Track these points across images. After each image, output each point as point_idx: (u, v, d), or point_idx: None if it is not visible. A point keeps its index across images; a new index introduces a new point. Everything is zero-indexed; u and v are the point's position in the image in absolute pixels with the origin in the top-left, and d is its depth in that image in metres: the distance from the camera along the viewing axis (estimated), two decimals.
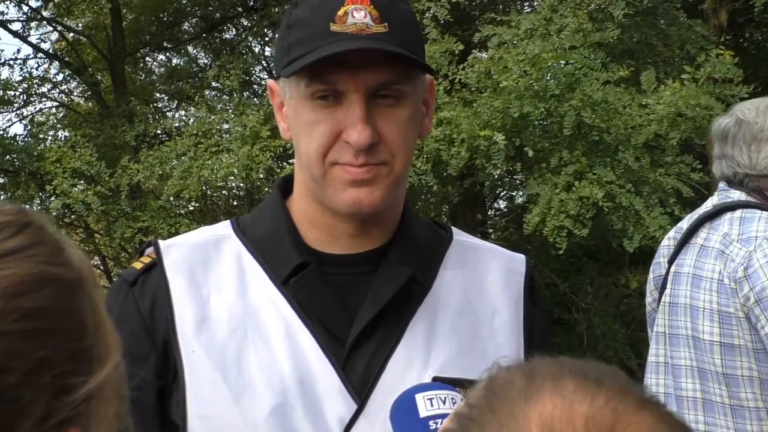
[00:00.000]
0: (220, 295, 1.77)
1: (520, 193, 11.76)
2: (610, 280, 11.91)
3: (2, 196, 11.31)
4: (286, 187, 1.87)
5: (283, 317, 1.74)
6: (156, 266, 1.81)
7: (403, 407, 1.60)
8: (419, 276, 1.80)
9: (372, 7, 1.66)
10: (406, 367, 1.74)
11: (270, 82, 1.85)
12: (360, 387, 1.71)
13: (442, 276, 1.84)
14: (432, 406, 1.53)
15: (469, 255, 1.90)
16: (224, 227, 1.87)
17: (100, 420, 0.95)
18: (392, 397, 1.68)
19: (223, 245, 1.83)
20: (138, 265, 1.84)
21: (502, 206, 14.71)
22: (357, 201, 1.70)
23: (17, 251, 0.92)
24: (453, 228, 1.96)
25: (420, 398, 1.60)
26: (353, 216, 1.75)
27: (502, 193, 13.90)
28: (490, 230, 13.35)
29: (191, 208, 12.35)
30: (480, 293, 1.86)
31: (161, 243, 1.85)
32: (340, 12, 1.66)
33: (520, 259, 1.96)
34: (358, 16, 1.65)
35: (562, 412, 0.88)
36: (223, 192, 13.65)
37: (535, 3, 11.15)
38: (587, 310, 11.18)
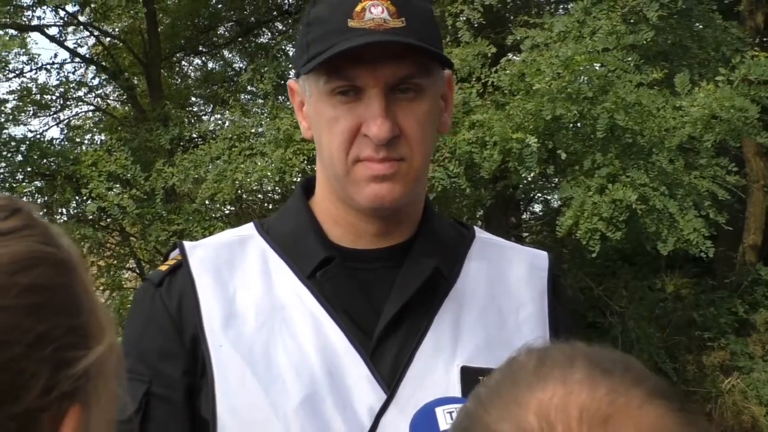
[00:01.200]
0: (246, 292, 1.78)
1: (555, 196, 11.74)
2: (646, 283, 11.86)
3: (39, 200, 11.40)
4: (308, 187, 1.89)
5: (309, 311, 1.75)
6: (181, 267, 1.82)
7: (423, 421, 1.61)
8: (444, 269, 1.81)
9: (389, 2, 1.68)
10: (435, 356, 1.75)
11: (290, 82, 1.86)
12: (389, 377, 1.72)
13: (467, 270, 1.85)
14: (452, 419, 1.54)
15: (492, 251, 1.91)
16: (248, 228, 1.89)
17: (98, 397, 0.97)
18: (422, 386, 1.71)
19: (248, 244, 1.84)
20: (163, 267, 1.86)
21: (537, 210, 14.68)
22: (378, 197, 1.71)
23: (12, 231, 0.94)
24: (475, 227, 1.98)
25: (440, 411, 1.61)
26: (375, 212, 1.76)
27: (537, 197, 13.88)
28: (525, 234, 13.32)
29: (227, 212, 12.40)
30: (504, 288, 1.87)
31: (186, 244, 1.87)
32: (358, 8, 1.67)
33: (543, 255, 1.97)
34: (375, 12, 1.67)
35: (559, 400, 0.89)
36: (258, 195, 13.70)
37: (569, 5, 11.12)
38: (622, 313, 11.14)
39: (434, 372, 1.73)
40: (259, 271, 1.80)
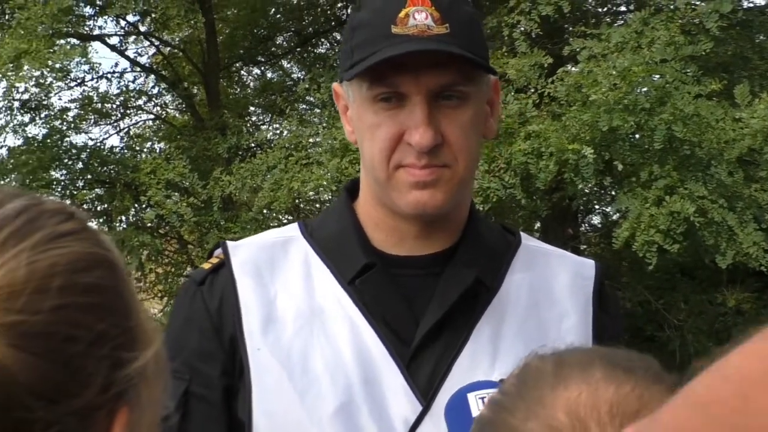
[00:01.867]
0: (287, 295, 1.78)
1: (613, 209, 11.65)
2: (706, 297, 11.73)
3: (98, 207, 11.53)
4: (353, 189, 1.88)
5: (348, 317, 1.75)
6: (224, 266, 1.83)
7: (456, 407, 1.60)
8: (485, 278, 1.79)
9: (433, 8, 1.67)
10: (472, 369, 1.73)
11: (335, 85, 1.86)
12: (425, 388, 1.71)
13: (509, 279, 1.83)
14: (484, 405, 1.53)
15: (537, 259, 1.89)
16: (292, 229, 1.89)
17: (145, 399, 0.99)
18: None
19: (291, 246, 1.84)
20: (206, 266, 1.87)
21: (596, 221, 14.59)
22: (420, 203, 1.70)
23: (71, 233, 0.96)
24: (522, 233, 1.96)
25: (472, 397, 1.60)
26: (417, 217, 1.75)
27: (596, 208, 13.78)
28: (583, 246, 13.23)
29: (284, 221, 12.45)
30: (547, 296, 1.85)
31: (229, 244, 1.87)
32: (402, 14, 1.66)
33: (589, 264, 1.94)
34: (419, 18, 1.66)
35: (587, 397, 0.89)
36: (315, 205, 13.74)
37: (627, 16, 11.05)
38: (680, 327, 11.02)
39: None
40: (301, 274, 1.80)
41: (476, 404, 1.58)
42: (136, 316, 1.00)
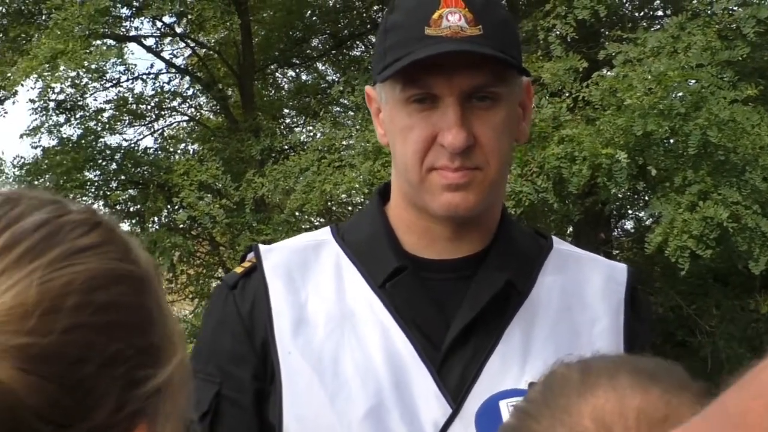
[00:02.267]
0: (318, 298, 1.78)
1: (646, 213, 11.62)
2: (738, 303, 11.68)
3: (131, 208, 11.61)
4: (385, 192, 1.88)
5: (379, 321, 1.74)
6: (256, 270, 1.83)
7: (487, 413, 1.60)
8: (517, 282, 1.78)
9: (467, 10, 1.66)
10: (502, 373, 1.73)
11: (367, 88, 1.86)
12: (455, 391, 1.71)
13: (541, 282, 1.82)
14: None
15: (568, 263, 1.88)
16: (324, 233, 1.89)
17: (166, 415, 0.98)
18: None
19: (322, 250, 1.84)
20: (239, 270, 1.87)
21: (628, 226, 14.54)
22: (452, 205, 1.70)
23: (91, 248, 0.94)
24: (554, 237, 1.95)
25: (504, 405, 1.60)
26: (449, 219, 1.74)
27: (628, 214, 13.74)
28: (615, 251, 13.19)
29: (316, 223, 12.49)
30: (579, 301, 1.83)
31: (261, 247, 1.88)
32: (435, 15, 1.65)
33: (621, 268, 1.93)
34: (452, 19, 1.65)
35: (614, 405, 0.89)
36: (348, 207, 13.78)
37: (664, 21, 11.01)
38: (712, 333, 10.98)
39: (501, 388, 1.71)
40: (332, 278, 1.80)
41: (507, 411, 1.58)
42: (161, 329, 0.98)
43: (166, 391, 0.97)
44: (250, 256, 1.89)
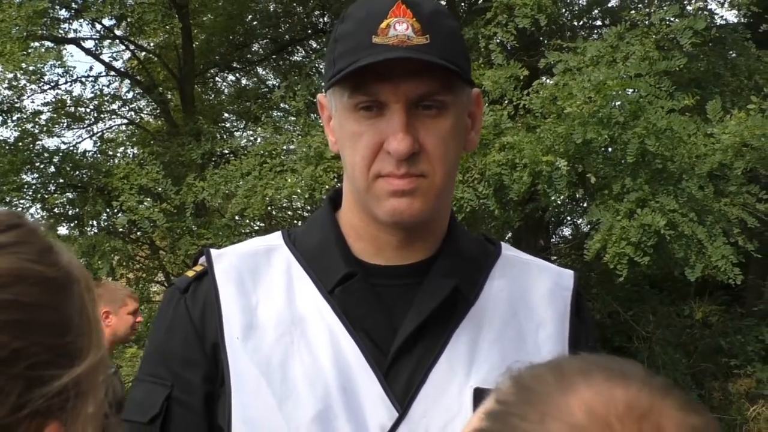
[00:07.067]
0: (269, 303, 1.80)
1: (584, 220, 11.72)
2: (674, 309, 11.82)
3: (70, 211, 11.47)
4: (336, 199, 1.90)
5: (328, 326, 1.76)
6: (207, 274, 1.85)
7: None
8: (464, 288, 1.81)
9: (414, 19, 1.69)
10: (449, 377, 1.75)
11: (319, 96, 1.88)
12: (402, 395, 1.73)
13: (488, 288, 1.85)
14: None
15: (516, 269, 1.91)
16: (276, 238, 1.91)
17: (79, 415, 0.98)
18: (434, 406, 1.71)
19: (274, 255, 1.86)
20: (190, 273, 1.88)
21: (566, 233, 14.66)
22: (398, 211, 1.72)
23: (1, 247, 0.95)
24: (502, 243, 1.98)
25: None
26: (395, 226, 1.77)
27: (566, 220, 13.85)
28: (554, 257, 13.29)
29: (256, 228, 12.44)
30: (526, 306, 1.86)
31: (213, 252, 1.89)
32: (383, 25, 1.68)
33: (568, 274, 1.96)
34: (399, 29, 1.68)
35: (601, 398, 0.91)
36: (288, 212, 13.73)
37: (603, 31, 11.12)
38: (648, 339, 11.10)
39: (447, 392, 1.74)
40: (283, 283, 1.82)
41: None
42: (77, 330, 0.98)
43: (79, 392, 0.97)
44: (202, 259, 1.90)
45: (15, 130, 11.54)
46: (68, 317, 0.97)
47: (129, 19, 11.87)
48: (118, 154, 13.01)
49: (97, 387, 1.00)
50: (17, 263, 0.94)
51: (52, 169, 11.34)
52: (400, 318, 1.77)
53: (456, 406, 1.73)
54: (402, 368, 1.75)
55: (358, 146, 1.72)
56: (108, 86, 13.53)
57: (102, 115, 13.55)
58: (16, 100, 11.58)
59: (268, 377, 1.74)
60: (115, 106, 13.67)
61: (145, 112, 14.83)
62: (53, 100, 12.64)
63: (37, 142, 11.55)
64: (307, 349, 1.75)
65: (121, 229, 10.79)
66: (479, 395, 1.73)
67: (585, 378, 0.94)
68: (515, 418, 0.94)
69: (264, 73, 15.67)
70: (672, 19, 8.86)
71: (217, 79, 15.53)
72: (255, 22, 14.31)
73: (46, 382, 0.93)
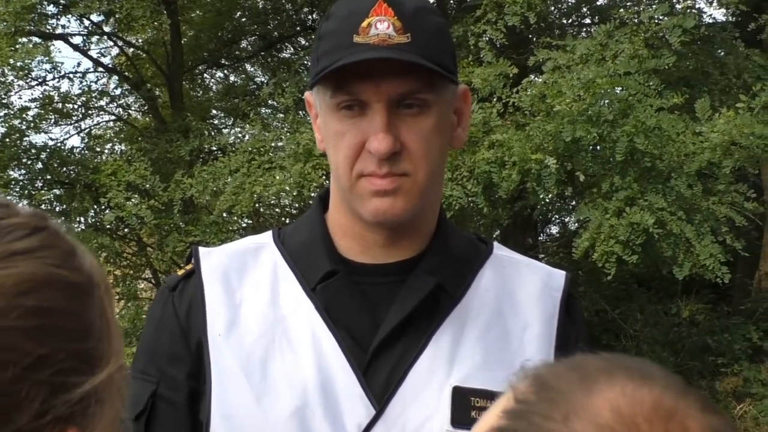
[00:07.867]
0: (253, 301, 1.82)
1: (573, 219, 11.74)
2: (661, 308, 11.85)
3: (57, 208, 11.44)
4: (326, 198, 1.90)
5: (309, 323, 1.77)
6: (195, 273, 1.86)
7: None
8: (448, 286, 1.81)
9: (396, 18, 1.69)
10: (429, 375, 1.75)
11: (307, 94, 1.89)
12: (380, 393, 1.74)
13: (476, 287, 1.85)
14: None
15: (506, 268, 1.90)
16: (266, 236, 1.92)
17: (98, 421, 0.97)
18: (412, 404, 1.72)
19: (262, 253, 1.87)
20: (181, 272, 1.91)
21: (554, 231, 14.68)
22: (380, 211, 1.72)
23: (26, 252, 0.94)
24: (494, 242, 1.97)
25: None
26: (379, 225, 1.77)
27: (555, 218, 13.87)
28: (542, 255, 13.31)
29: (244, 225, 12.43)
30: (513, 306, 1.86)
31: (201, 250, 1.91)
32: (364, 24, 1.68)
33: (559, 274, 1.95)
34: (380, 27, 1.68)
35: (627, 397, 0.90)
36: (276, 209, 13.73)
37: (592, 29, 11.13)
38: (636, 337, 11.13)
39: (426, 391, 1.74)
40: (269, 281, 1.83)
41: None
42: (99, 336, 0.97)
43: (99, 398, 0.96)
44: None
45: (2, 126, 11.50)
46: (90, 322, 0.97)
47: (117, 15, 11.83)
48: (106, 151, 13.00)
49: (116, 393, 1.00)
50: (42, 268, 0.94)
51: (40, 165, 11.30)
52: (382, 315, 1.78)
53: (434, 404, 1.73)
54: (382, 365, 1.75)
55: (340, 146, 1.73)
56: (96, 82, 13.49)
57: (90, 112, 13.54)
58: (3, 96, 11.54)
59: (248, 374, 1.75)
60: (102, 103, 13.67)
61: (133, 108, 14.80)
62: (41, 96, 12.61)
63: (25, 138, 11.50)
64: (289, 347, 1.76)
65: (108, 226, 10.74)
66: (457, 394, 1.73)
67: (608, 377, 0.93)
68: (538, 417, 0.93)
69: (252, 69, 15.66)
70: (661, 17, 8.87)
71: (205, 75, 15.52)
72: (243, 19, 14.29)
73: (69, 389, 0.93)
